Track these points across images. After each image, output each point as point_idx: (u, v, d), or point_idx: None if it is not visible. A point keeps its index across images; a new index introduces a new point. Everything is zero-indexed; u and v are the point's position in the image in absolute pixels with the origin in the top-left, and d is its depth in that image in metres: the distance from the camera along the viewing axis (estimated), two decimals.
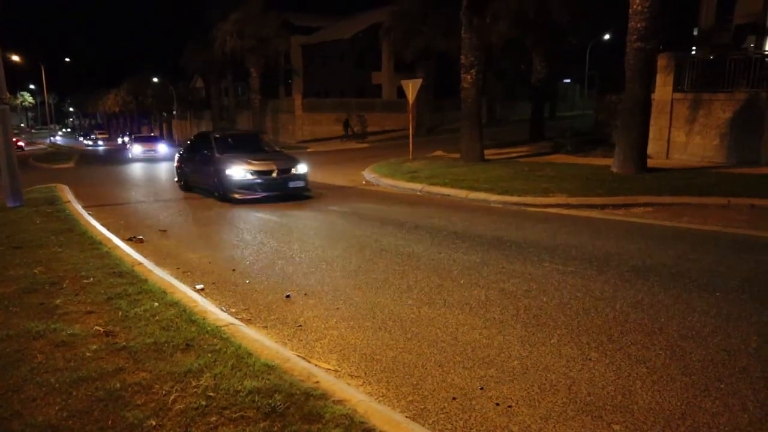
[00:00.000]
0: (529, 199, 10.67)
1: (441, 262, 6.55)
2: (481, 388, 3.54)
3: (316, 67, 52.80)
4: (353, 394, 3.29)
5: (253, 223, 9.60)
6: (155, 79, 70.34)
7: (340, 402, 3.15)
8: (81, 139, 78.93)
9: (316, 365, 3.85)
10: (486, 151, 17.67)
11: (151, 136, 52.08)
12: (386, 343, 4.30)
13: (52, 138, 78.91)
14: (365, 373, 3.82)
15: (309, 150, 32.41)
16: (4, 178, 11.37)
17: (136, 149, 34.00)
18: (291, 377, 3.45)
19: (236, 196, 11.84)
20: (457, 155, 18.23)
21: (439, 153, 21.47)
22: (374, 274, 6.15)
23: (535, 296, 5.24)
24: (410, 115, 20.01)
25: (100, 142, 66.41)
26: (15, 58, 51.47)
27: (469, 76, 16.80)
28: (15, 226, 8.94)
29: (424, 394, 3.50)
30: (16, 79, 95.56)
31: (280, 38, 39.92)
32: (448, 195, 11.99)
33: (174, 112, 69.02)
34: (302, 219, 9.93)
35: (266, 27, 38.09)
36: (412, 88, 18.48)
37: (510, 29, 23.15)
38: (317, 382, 3.39)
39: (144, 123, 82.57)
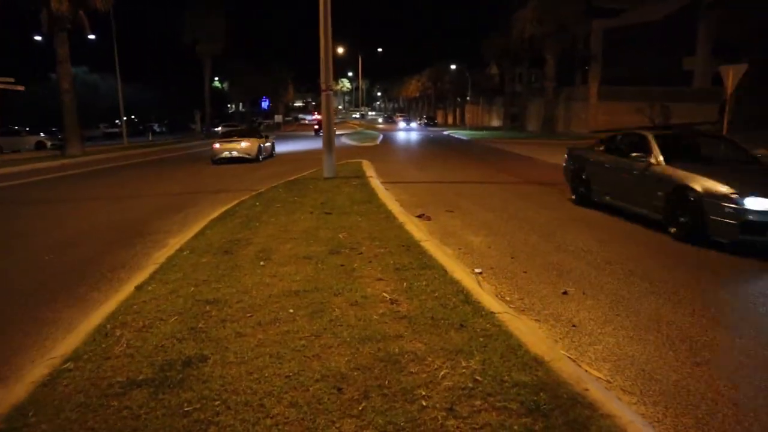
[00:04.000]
0: None
1: (750, 285, 5.59)
2: None
3: (617, 53, 49.27)
4: (625, 412, 3.02)
5: (528, 214, 9.48)
6: (453, 66, 74.27)
7: (608, 416, 2.93)
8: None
9: (586, 371, 3.65)
10: None
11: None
12: (669, 364, 3.85)
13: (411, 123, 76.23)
14: (641, 391, 3.49)
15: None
16: (324, 154, 13.32)
17: None
18: (558, 378, 3.33)
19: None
20: None
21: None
22: (664, 284, 5.54)
23: None
24: (727, 107, 17.39)
25: None
26: (339, 50, 59.93)
27: None
28: (328, 195, 10.41)
29: None
30: (337, 68, 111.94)
31: (580, 23, 38.30)
32: None
33: (468, 98, 72.07)
34: (587, 216, 9.45)
35: (566, 12, 36.91)
36: (732, 75, 15.98)
37: None
38: (586, 389, 3.21)
39: (439, 107, 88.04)
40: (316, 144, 26.69)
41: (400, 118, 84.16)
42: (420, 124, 74.36)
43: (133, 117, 69.75)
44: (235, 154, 21.00)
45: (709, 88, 37.49)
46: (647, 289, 5.39)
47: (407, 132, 55.76)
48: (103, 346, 3.96)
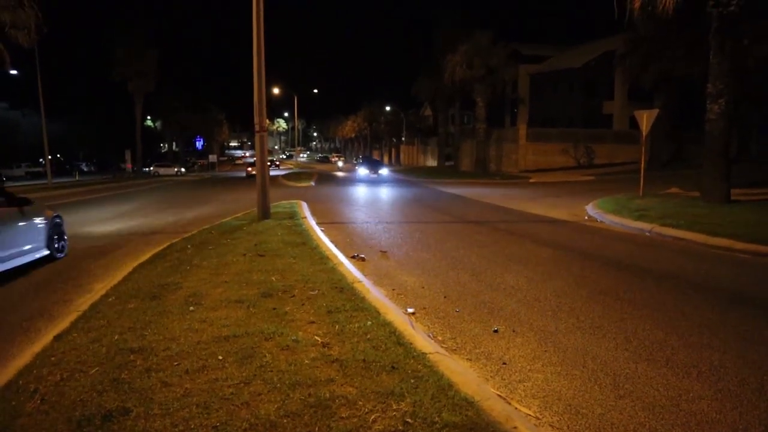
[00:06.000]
0: None
1: (667, 315, 5.89)
2: None
3: (543, 97, 51.96)
4: None
5: (461, 253, 9.69)
6: (388, 108, 75.85)
7: None
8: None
9: (516, 408, 3.72)
10: (734, 191, 15.52)
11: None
12: (594, 397, 3.98)
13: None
14: (568, 426, 3.58)
15: (531, 180, 31.82)
16: (258, 195, 13.17)
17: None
18: (489, 417, 3.37)
19: None
20: (697, 194, 16.32)
21: (674, 190, 19.50)
22: (589, 319, 5.76)
23: None
24: (643, 148, 18.52)
25: None
26: (275, 90, 60.17)
27: (716, 107, 14.97)
28: (261, 236, 10.27)
29: None
30: (273, 108, 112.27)
31: (508, 68, 40.13)
32: (682, 238, 10.77)
33: (403, 138, 73.50)
34: (517, 253, 9.75)
35: (495, 57, 38.61)
36: (646, 119, 17.12)
37: None
38: (515, 427, 3.26)
39: (375, 147, 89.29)
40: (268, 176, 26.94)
41: (337, 158, 79.81)
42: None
43: (58, 156, 67.01)
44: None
45: (627, 130, 39.90)
46: (574, 325, 5.58)
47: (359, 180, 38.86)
48: (13, 404, 3.71)
